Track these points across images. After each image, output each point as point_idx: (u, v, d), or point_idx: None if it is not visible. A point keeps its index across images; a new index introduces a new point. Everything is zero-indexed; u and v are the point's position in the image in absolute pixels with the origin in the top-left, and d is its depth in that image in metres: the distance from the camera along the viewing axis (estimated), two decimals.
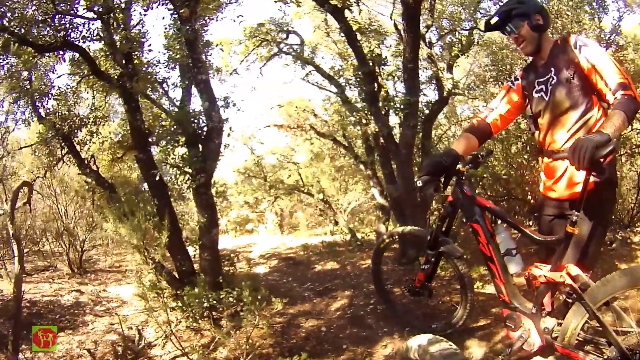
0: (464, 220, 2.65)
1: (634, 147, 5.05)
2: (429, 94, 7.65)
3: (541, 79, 2.33)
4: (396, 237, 3.51)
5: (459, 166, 2.51)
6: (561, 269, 2.14)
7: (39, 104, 5.16)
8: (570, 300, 2.11)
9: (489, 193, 6.70)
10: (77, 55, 4.57)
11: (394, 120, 6.24)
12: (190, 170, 4.29)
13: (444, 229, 2.89)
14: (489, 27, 2.48)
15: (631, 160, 5.24)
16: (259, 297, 3.05)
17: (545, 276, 2.20)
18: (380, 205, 7.30)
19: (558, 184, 2.33)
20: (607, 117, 1.98)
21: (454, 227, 3.65)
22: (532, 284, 2.28)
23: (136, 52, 4.46)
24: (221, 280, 4.33)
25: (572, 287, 2.06)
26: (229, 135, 4.79)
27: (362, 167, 7.93)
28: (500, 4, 3.68)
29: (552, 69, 2.28)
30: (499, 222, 2.51)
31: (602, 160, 1.82)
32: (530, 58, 2.49)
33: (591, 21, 4.97)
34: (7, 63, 4.49)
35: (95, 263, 7.65)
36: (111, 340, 4.27)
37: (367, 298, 4.51)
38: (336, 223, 10.34)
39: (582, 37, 2.24)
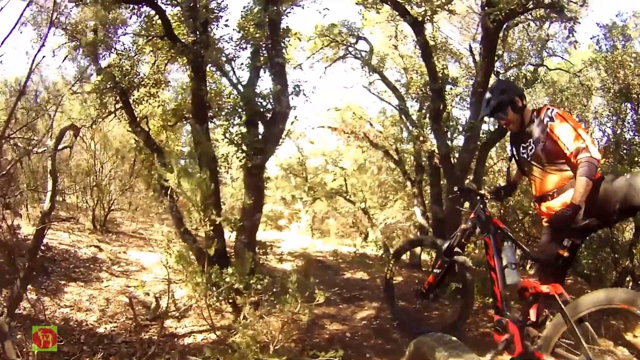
0: (480, 233, 3.14)
1: None
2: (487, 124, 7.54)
3: (524, 144, 2.87)
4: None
5: (485, 192, 3.18)
6: (550, 283, 2.55)
7: (100, 56, 5.10)
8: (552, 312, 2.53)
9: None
10: (152, 14, 4.60)
11: None
12: (246, 149, 4.28)
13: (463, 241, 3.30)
14: (484, 116, 3.08)
15: None
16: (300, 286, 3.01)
17: (535, 287, 2.62)
18: (419, 225, 7.15)
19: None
20: (575, 184, 2.51)
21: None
22: (523, 295, 2.72)
23: (211, 25, 4.47)
24: (253, 266, 4.29)
25: (555, 299, 2.46)
26: (292, 123, 4.79)
27: (408, 184, 7.81)
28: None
29: (531, 138, 2.80)
30: (507, 240, 2.91)
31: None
32: None
33: None
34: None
35: (119, 225, 7.49)
36: (124, 301, 4.19)
37: None
38: (366, 237, 10.21)
39: (551, 111, 2.70)
